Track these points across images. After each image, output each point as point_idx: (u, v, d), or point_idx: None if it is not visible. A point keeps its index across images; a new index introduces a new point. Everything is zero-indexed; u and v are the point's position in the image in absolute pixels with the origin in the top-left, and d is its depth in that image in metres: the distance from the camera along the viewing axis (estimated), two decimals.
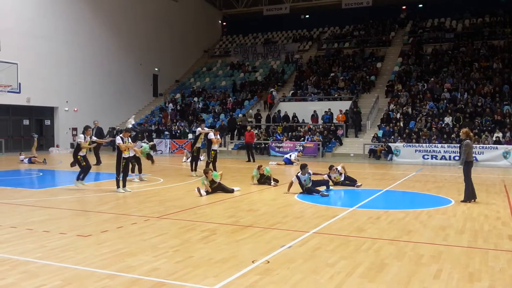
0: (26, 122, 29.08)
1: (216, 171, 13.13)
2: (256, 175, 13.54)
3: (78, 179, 12.26)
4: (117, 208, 9.50)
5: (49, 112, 30.33)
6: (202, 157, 23.17)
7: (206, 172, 11.76)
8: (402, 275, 5.28)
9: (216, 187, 11.62)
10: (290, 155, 21.88)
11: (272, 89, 32.97)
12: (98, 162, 19.08)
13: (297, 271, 5.38)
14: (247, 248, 6.41)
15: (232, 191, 11.73)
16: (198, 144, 16.08)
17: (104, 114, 32.60)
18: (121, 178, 11.69)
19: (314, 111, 28.91)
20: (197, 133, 16.39)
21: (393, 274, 5.32)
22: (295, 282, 5.02)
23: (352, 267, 5.53)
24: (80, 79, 31.07)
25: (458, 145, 20.61)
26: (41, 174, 16.46)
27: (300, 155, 21.16)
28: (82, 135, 12.37)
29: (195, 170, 15.92)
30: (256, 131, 27.05)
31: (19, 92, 24.35)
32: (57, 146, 29.85)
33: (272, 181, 13.24)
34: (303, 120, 29.31)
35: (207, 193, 11.32)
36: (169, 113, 33.59)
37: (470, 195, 10.36)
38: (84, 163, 12.22)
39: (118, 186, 11.68)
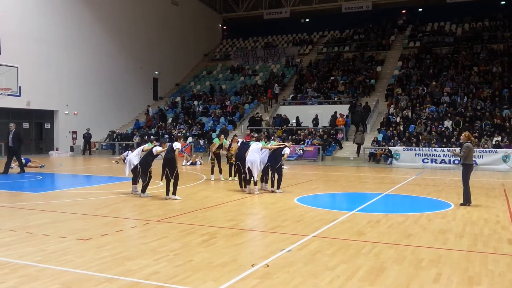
0: (26, 125, 29.07)
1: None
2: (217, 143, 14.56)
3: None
4: (117, 212, 9.50)
5: (49, 115, 30.33)
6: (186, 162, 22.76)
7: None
8: (401, 279, 5.28)
9: None
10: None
11: (275, 84, 33.30)
12: (21, 169, 17.81)
13: (297, 274, 5.38)
14: (247, 252, 6.41)
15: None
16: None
17: (104, 118, 32.72)
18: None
19: (335, 112, 28.14)
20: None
21: (393, 278, 5.32)
22: (294, 286, 5.02)
23: (352, 271, 5.53)
24: (80, 82, 31.11)
25: (458, 148, 20.59)
26: (41, 177, 16.45)
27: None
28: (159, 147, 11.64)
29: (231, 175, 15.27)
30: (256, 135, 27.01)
31: (19, 96, 24.36)
32: (57, 149, 29.83)
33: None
34: (301, 123, 29.27)
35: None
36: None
37: (469, 199, 10.36)
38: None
39: (143, 192, 11.52)
